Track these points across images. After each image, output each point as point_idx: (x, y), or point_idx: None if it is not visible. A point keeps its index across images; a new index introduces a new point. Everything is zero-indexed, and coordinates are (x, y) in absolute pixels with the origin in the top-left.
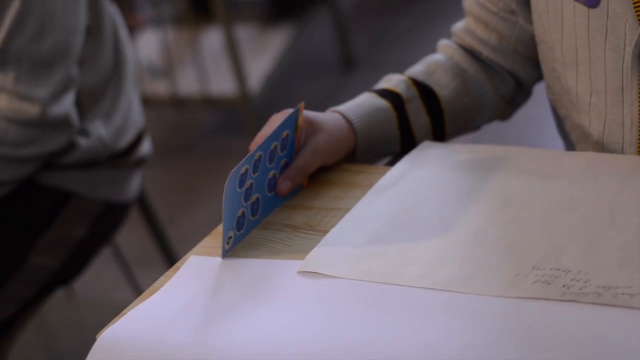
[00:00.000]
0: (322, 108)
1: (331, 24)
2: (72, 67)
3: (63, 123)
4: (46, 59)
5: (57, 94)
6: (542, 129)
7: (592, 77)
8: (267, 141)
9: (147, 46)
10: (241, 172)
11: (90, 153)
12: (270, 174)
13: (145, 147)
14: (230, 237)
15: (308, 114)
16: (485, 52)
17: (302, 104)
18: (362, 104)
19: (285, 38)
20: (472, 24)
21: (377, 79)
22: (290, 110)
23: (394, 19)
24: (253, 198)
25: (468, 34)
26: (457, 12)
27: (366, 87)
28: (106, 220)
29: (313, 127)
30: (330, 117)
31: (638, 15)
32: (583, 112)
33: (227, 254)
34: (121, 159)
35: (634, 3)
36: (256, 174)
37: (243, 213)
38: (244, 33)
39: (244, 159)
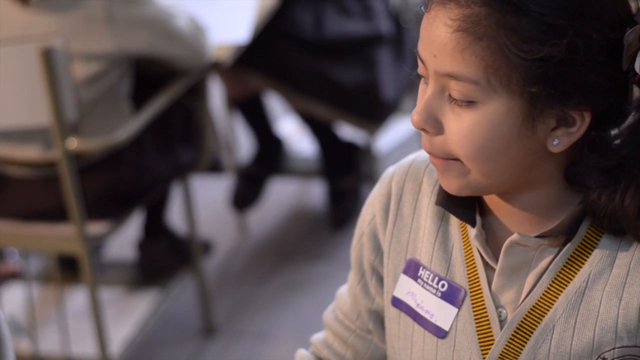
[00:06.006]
0: None
1: (195, 291)
2: None
3: None
4: None
5: None
6: None
7: None
8: None
9: (11, 301)
10: None
11: None
12: None
13: None
14: None
15: None
16: None
17: None
18: None
19: (150, 303)
20: (330, 338)
21: (237, 347)
22: None
23: (256, 288)
24: None
25: (326, 346)
26: (318, 285)
27: (225, 355)
28: None
29: None
30: None
31: (482, 349)
32: None
33: None
34: None
35: (479, 338)
36: None
37: None
38: (110, 295)
39: None
